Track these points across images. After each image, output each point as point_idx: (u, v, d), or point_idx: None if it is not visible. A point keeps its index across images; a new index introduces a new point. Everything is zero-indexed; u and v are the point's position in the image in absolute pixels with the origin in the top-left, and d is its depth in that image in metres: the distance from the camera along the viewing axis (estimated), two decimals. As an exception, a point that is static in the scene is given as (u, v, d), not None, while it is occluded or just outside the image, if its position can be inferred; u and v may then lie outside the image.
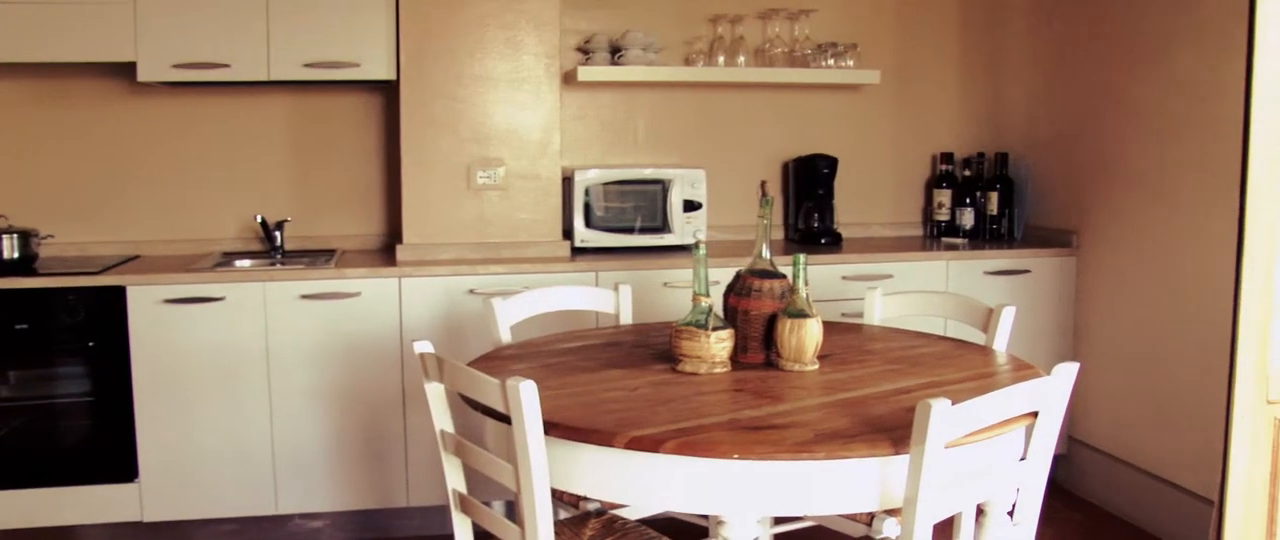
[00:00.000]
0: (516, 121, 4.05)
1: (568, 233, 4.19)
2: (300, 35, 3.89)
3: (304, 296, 3.76)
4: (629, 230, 4.25)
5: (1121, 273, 4.16)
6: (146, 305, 3.67)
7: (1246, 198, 2.64)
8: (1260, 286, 2.68)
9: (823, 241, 4.50)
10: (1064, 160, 4.48)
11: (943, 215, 4.75)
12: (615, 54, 4.38)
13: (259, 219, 4.22)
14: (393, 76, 3.96)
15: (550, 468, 2.12)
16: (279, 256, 4.17)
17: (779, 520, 3.18)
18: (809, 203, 4.58)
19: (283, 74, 3.91)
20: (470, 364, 2.54)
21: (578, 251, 4.18)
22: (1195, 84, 3.71)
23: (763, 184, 2.68)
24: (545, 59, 4.05)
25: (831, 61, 4.51)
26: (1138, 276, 4.07)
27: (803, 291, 2.54)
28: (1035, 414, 2.21)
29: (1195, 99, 3.71)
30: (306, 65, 3.91)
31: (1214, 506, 2.76)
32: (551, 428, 2.09)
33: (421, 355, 2.41)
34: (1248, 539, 2.78)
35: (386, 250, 4.28)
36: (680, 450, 1.99)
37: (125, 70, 3.93)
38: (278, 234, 4.23)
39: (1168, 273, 3.91)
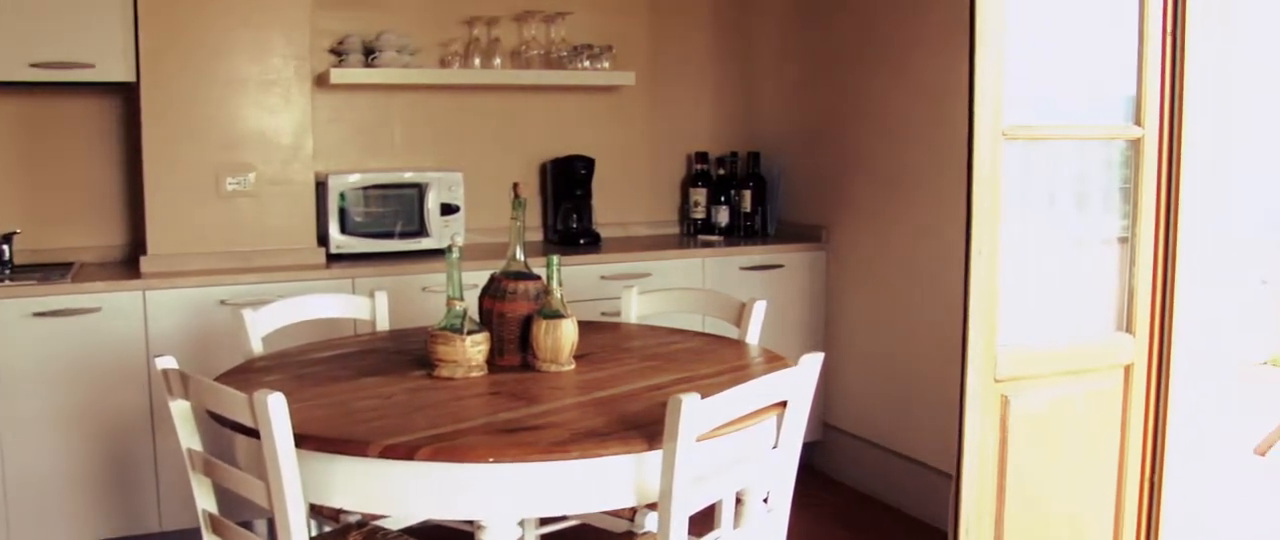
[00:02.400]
0: (267, 125, 3.93)
1: (323, 239, 4.09)
2: (26, 32, 3.64)
3: (36, 314, 3.53)
4: (387, 235, 4.19)
5: (868, 266, 4.38)
6: None
7: (972, 194, 2.83)
8: (986, 276, 2.88)
9: (581, 242, 4.55)
10: (813, 158, 4.68)
11: (699, 213, 4.88)
12: (369, 56, 4.30)
13: (-18, 232, 3.94)
14: (132, 78, 3.76)
15: (304, 482, 2.07)
16: (7, 272, 3.89)
17: (544, 521, 3.20)
18: (567, 204, 4.62)
19: (6, 75, 3.66)
20: (219, 378, 2.45)
21: (334, 258, 4.09)
22: (929, 86, 3.95)
23: (515, 186, 2.68)
24: (295, 61, 3.93)
25: (587, 63, 4.57)
26: (882, 269, 4.29)
27: (557, 292, 2.57)
28: (784, 403, 2.30)
29: (929, 100, 3.95)
30: (33, 65, 3.66)
31: (953, 478, 2.94)
32: (303, 440, 2.04)
33: (164, 371, 2.31)
34: (981, 504, 2.98)
35: (130, 262, 4.06)
36: (435, 456, 1.98)
37: None
38: (4, 248, 3.95)
39: (908, 265, 4.14)
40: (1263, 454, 5.16)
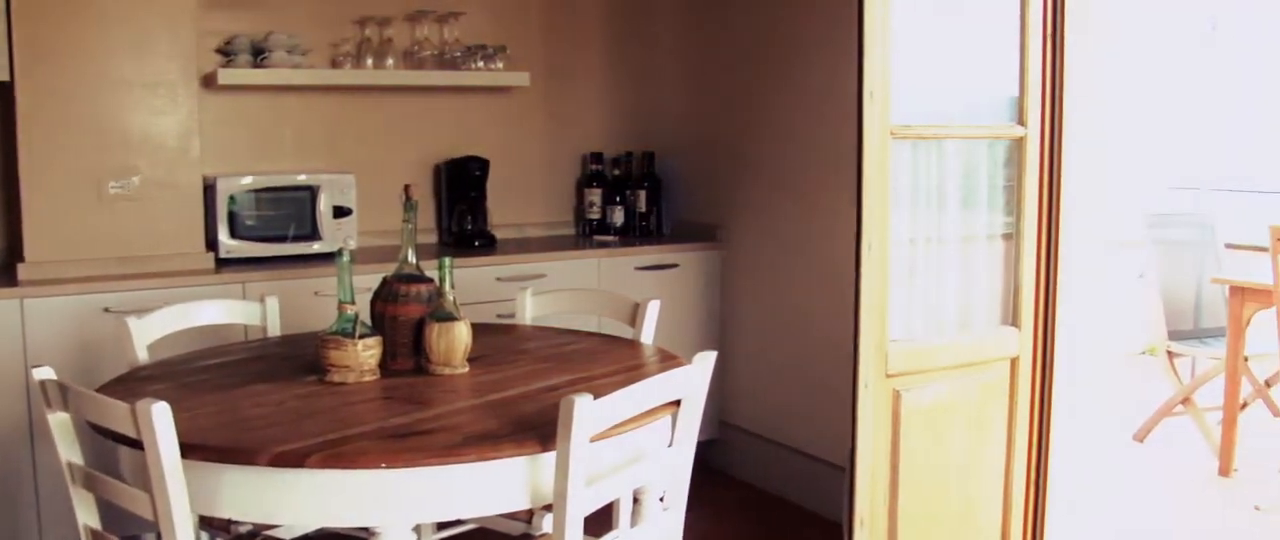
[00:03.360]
0: (152, 127, 3.82)
1: (212, 243, 4.00)
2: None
3: (-95, 325, 3.39)
4: (278, 239, 4.11)
5: (762, 264, 4.44)
6: None
7: (862, 194, 2.88)
8: (876, 274, 2.93)
9: (476, 244, 4.52)
10: (708, 158, 4.72)
11: (594, 214, 4.88)
12: (258, 56, 4.22)
13: None
14: (5, 77, 3.63)
15: (192, 493, 2.02)
16: (-125, 281, 3.73)
17: (441, 526, 3.17)
18: (461, 205, 4.59)
19: None
20: (101, 388, 2.39)
21: (223, 262, 4.00)
22: (818, 87, 4.01)
23: (406, 188, 2.66)
24: (180, 61, 3.84)
25: (481, 64, 4.54)
26: (776, 267, 4.35)
27: (449, 295, 2.55)
28: (678, 402, 2.31)
29: (819, 100, 4.01)
30: (-102, 66, 3.52)
31: (847, 472, 2.99)
32: (190, 450, 2.00)
33: (42, 383, 2.24)
34: (875, 496, 3.03)
35: (6, 269, 3.92)
36: (326, 463, 1.96)
37: None
38: (-128, 256, 3.79)
39: (802, 263, 4.20)
40: (1140, 440, 5.34)
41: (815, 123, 4.04)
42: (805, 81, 4.08)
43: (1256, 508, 4.39)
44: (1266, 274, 4.52)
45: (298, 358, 2.78)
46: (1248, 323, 4.76)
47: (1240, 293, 4.75)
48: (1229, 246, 5.61)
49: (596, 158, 4.93)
